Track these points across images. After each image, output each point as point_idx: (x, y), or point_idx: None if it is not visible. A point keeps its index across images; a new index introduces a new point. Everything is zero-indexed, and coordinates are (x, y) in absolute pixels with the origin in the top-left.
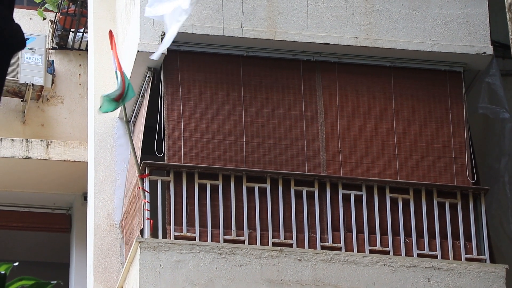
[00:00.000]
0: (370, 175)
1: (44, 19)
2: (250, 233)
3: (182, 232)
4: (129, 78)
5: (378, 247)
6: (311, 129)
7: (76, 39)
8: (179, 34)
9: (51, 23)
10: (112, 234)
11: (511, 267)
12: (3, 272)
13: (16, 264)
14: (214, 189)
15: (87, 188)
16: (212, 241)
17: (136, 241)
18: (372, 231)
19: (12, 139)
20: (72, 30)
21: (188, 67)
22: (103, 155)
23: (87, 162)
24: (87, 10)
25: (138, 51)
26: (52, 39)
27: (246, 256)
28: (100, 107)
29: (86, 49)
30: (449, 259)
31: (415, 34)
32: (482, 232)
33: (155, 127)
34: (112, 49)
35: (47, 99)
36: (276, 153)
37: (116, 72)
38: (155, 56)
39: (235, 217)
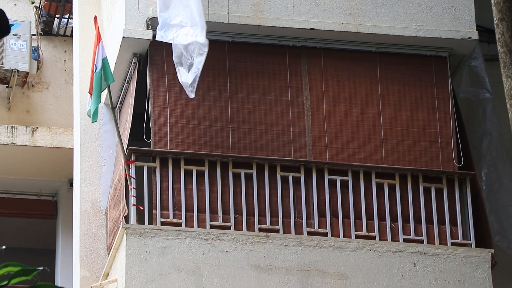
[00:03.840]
0: (356, 160)
1: (33, 2)
2: (236, 219)
3: (168, 218)
4: (114, 64)
5: (364, 232)
6: (297, 114)
7: (61, 25)
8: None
9: (36, 9)
10: (98, 221)
11: (495, 250)
12: None
13: (4, 247)
14: (200, 175)
15: (73, 175)
16: (198, 227)
17: (122, 227)
18: (358, 216)
19: None
20: (57, 16)
21: None
22: (89, 141)
23: (72, 148)
24: None
25: (123, 37)
26: (37, 25)
27: (232, 241)
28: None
29: (71, 35)
30: (435, 244)
31: (401, 19)
32: (467, 217)
33: (143, 113)
34: (96, 36)
35: (32, 85)
36: (262, 138)
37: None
38: (191, 94)
39: (221, 203)
